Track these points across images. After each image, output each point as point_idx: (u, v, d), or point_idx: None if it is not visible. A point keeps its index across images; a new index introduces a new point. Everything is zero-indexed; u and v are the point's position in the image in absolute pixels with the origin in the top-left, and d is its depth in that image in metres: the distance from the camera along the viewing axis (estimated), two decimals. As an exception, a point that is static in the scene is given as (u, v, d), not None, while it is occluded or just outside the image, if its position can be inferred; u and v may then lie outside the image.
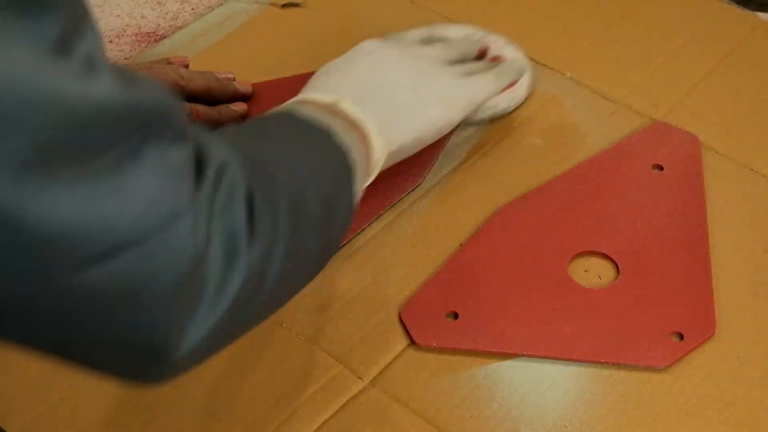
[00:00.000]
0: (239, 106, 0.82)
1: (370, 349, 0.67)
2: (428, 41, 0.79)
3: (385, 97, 0.68)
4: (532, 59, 0.88)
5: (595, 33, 0.91)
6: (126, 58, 0.89)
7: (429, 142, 0.70)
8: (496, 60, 0.79)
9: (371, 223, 0.75)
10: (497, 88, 0.75)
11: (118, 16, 0.93)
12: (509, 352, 0.67)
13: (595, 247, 0.73)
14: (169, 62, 0.82)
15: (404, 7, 0.92)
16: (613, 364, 0.67)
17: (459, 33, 0.81)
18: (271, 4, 0.93)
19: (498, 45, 0.82)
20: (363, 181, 0.63)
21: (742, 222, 0.75)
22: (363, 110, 0.64)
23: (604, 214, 0.75)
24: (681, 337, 0.68)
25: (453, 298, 0.70)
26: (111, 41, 0.91)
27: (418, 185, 0.77)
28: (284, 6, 0.93)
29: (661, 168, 0.79)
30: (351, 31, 0.90)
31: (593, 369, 0.67)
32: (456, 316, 0.69)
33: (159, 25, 0.93)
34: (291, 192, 0.52)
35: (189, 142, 0.45)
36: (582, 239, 0.73)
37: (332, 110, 0.63)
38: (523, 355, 0.67)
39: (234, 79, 0.83)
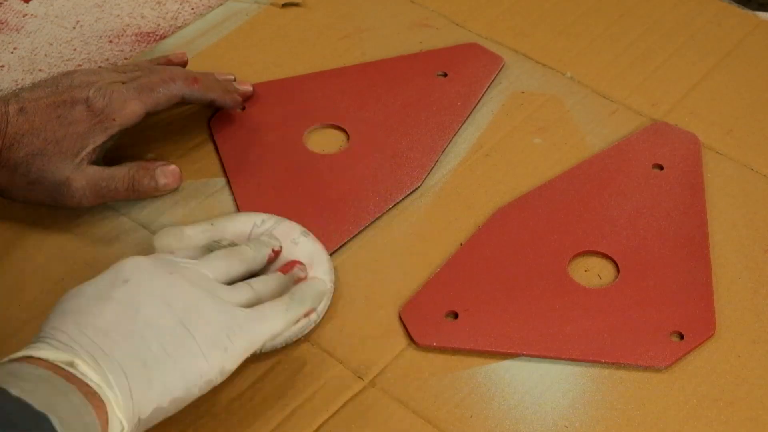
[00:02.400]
0: (244, 85, 0.82)
1: (370, 349, 0.67)
2: (211, 248, 0.66)
3: (138, 348, 0.56)
4: (532, 59, 0.88)
5: (595, 33, 0.91)
6: (126, 58, 0.89)
7: (197, 396, 0.58)
8: (291, 267, 0.67)
9: (371, 223, 0.75)
10: (287, 322, 0.63)
11: (118, 16, 0.93)
12: (509, 352, 0.67)
13: (595, 247, 0.73)
14: (168, 61, 0.82)
15: (404, 6, 0.92)
16: (613, 364, 0.67)
17: (245, 227, 0.69)
18: (271, 4, 0.93)
19: (293, 236, 0.69)
20: None
21: (742, 222, 0.75)
22: (103, 373, 0.54)
23: (604, 214, 0.75)
24: (681, 337, 0.68)
25: (453, 298, 0.70)
26: (111, 41, 0.91)
27: (419, 186, 0.77)
28: (284, 6, 0.93)
29: (661, 168, 0.79)
30: (351, 31, 0.90)
31: (593, 369, 0.67)
32: (456, 316, 0.69)
33: (159, 25, 0.93)
34: None
35: None
36: (582, 239, 0.73)
37: (65, 373, 0.53)
38: (523, 355, 0.67)
39: (234, 80, 0.83)
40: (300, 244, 0.69)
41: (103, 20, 0.93)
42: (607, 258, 0.73)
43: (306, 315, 0.64)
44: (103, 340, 0.55)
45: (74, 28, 0.92)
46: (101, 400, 0.53)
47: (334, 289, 0.70)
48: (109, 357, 0.55)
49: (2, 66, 0.89)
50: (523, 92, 0.85)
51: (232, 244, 0.67)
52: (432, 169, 0.79)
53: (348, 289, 0.71)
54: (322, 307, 0.68)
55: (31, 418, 0.49)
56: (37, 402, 0.50)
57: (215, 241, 0.67)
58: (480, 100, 0.84)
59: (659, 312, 0.69)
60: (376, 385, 0.66)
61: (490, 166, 0.79)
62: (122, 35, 0.92)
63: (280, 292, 0.65)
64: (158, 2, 0.94)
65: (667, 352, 0.67)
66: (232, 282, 0.63)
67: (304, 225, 0.73)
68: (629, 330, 0.68)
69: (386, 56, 0.88)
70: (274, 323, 0.62)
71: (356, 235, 0.74)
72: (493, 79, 0.86)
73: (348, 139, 0.81)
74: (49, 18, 0.93)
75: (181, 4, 0.94)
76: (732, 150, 0.81)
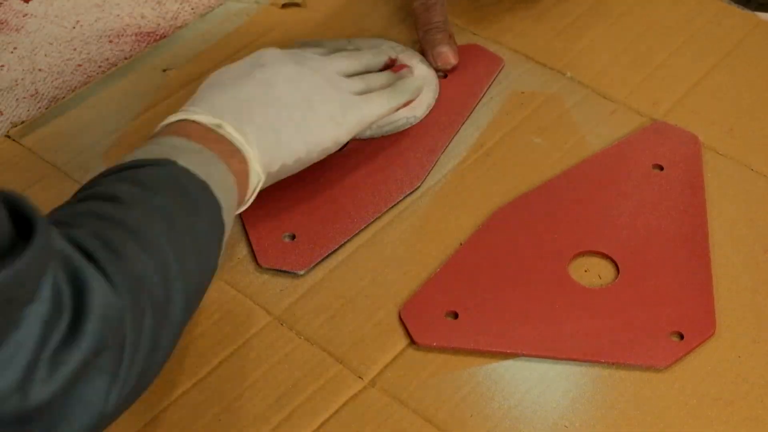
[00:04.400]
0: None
1: (370, 349, 0.67)
2: (337, 50, 0.80)
3: (271, 116, 0.68)
4: (532, 59, 0.88)
5: (595, 33, 0.91)
6: (126, 58, 0.89)
7: (314, 161, 0.71)
8: (401, 69, 0.80)
9: (371, 223, 0.75)
10: (390, 109, 0.76)
11: (118, 16, 0.93)
12: (509, 351, 0.67)
13: (595, 247, 0.73)
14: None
15: (404, 6, 0.92)
16: (613, 364, 0.67)
17: (373, 45, 0.82)
18: (271, 4, 0.93)
19: (412, 61, 0.83)
20: (236, 211, 0.65)
21: (742, 222, 0.75)
22: (244, 135, 0.65)
23: (604, 214, 0.75)
24: (681, 336, 0.68)
25: (453, 297, 0.70)
26: (111, 41, 0.91)
27: (418, 186, 0.77)
28: (284, 6, 0.93)
29: (661, 168, 0.79)
30: (351, 31, 0.90)
31: (593, 369, 0.66)
32: (456, 315, 0.69)
33: (159, 25, 0.93)
34: (158, 310, 0.53)
35: (45, 299, 0.46)
36: (582, 239, 0.73)
37: (213, 135, 0.64)
38: (523, 355, 0.67)
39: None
40: (416, 69, 0.82)
41: (103, 20, 0.93)
42: (607, 258, 0.73)
43: (405, 104, 0.78)
44: (244, 108, 0.67)
45: (74, 27, 0.92)
46: (243, 156, 0.65)
47: (334, 288, 0.70)
48: (249, 121, 0.66)
49: (2, 66, 0.89)
50: (523, 92, 0.85)
51: (357, 49, 0.81)
52: (432, 169, 0.79)
53: (348, 289, 0.71)
54: (425, 107, 0.81)
55: (198, 184, 0.59)
56: (198, 171, 0.60)
57: (344, 46, 0.81)
58: (480, 100, 0.84)
59: (659, 312, 0.69)
60: (376, 385, 0.66)
61: (490, 166, 0.79)
62: (122, 35, 0.92)
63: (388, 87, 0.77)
64: (158, 2, 0.94)
65: (667, 352, 0.67)
66: (350, 76, 0.76)
67: (303, 225, 0.74)
68: (629, 330, 0.68)
69: (386, 56, 0.88)
70: (379, 108, 0.75)
71: (356, 235, 0.74)
72: (493, 79, 0.86)
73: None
74: (49, 18, 0.93)
75: (181, 4, 0.94)
76: (732, 150, 0.81)
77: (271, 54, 0.72)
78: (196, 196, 0.59)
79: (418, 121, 0.81)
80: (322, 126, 0.70)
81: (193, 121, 0.65)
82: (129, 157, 0.61)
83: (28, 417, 0.46)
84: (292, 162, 0.69)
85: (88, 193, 0.58)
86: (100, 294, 0.48)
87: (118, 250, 0.51)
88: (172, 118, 0.66)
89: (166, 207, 0.57)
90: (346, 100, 0.72)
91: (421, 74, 0.82)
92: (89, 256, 0.50)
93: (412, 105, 0.80)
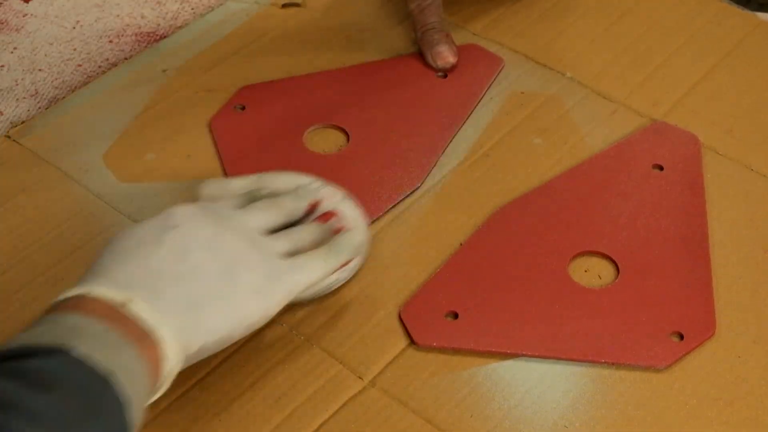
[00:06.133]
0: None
1: (370, 349, 0.67)
2: (253, 197, 0.68)
3: (187, 289, 0.59)
4: (531, 59, 0.88)
5: (595, 33, 0.91)
6: (126, 58, 0.89)
7: (238, 338, 0.61)
8: (328, 217, 0.68)
9: (371, 223, 0.75)
10: (326, 272, 0.65)
11: (118, 16, 0.93)
12: (509, 352, 0.67)
13: (595, 247, 0.73)
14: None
15: (403, 7, 0.92)
16: (613, 364, 0.67)
17: (289, 183, 0.70)
18: (271, 4, 0.93)
19: (334, 200, 0.70)
20: (147, 402, 0.55)
21: (742, 222, 0.75)
22: (158, 311, 0.56)
23: (604, 214, 0.75)
24: (681, 337, 0.68)
25: (453, 298, 0.70)
26: (111, 41, 0.91)
27: (418, 186, 0.77)
28: (284, 6, 0.93)
29: (661, 168, 0.79)
30: (351, 32, 0.90)
31: (593, 369, 0.67)
32: (456, 315, 0.69)
33: (159, 25, 0.93)
34: None
35: None
36: (582, 239, 0.73)
37: (119, 314, 0.55)
38: (523, 355, 0.67)
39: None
40: (346, 211, 0.70)
41: (103, 20, 0.93)
42: (607, 258, 0.73)
43: (343, 266, 0.66)
44: (155, 281, 0.58)
45: (74, 28, 0.92)
46: (154, 340, 0.55)
47: (335, 288, 0.70)
48: (160, 297, 0.57)
49: (2, 66, 0.89)
50: (522, 92, 0.85)
51: (273, 195, 0.69)
52: (432, 169, 0.79)
53: (348, 289, 0.71)
54: (355, 264, 0.69)
55: (97, 379, 0.51)
56: (100, 359, 0.51)
57: (257, 191, 0.69)
58: (480, 100, 0.84)
59: (659, 312, 0.69)
60: (376, 385, 0.66)
61: (490, 166, 0.79)
62: (122, 35, 0.92)
63: (318, 242, 0.67)
64: (158, 2, 0.95)
65: (667, 352, 0.67)
66: (272, 231, 0.66)
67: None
68: (629, 330, 0.68)
69: (386, 56, 0.88)
70: (312, 273, 0.64)
71: (356, 235, 0.74)
72: (493, 80, 0.86)
73: (348, 139, 0.81)
74: (49, 18, 0.93)
75: (181, 4, 0.94)
76: (732, 150, 0.81)
77: (182, 213, 0.62)
78: (94, 394, 0.50)
79: (350, 276, 0.70)
80: (247, 300, 0.61)
81: (95, 298, 0.55)
82: (14, 342, 0.52)
83: None
84: (212, 343, 0.59)
85: None
86: None
87: None
88: (70, 292, 0.56)
89: (53, 413, 0.48)
90: (274, 267, 0.62)
91: (351, 217, 0.69)
92: None
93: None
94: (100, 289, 0.56)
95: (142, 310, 0.56)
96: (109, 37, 0.91)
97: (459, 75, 0.86)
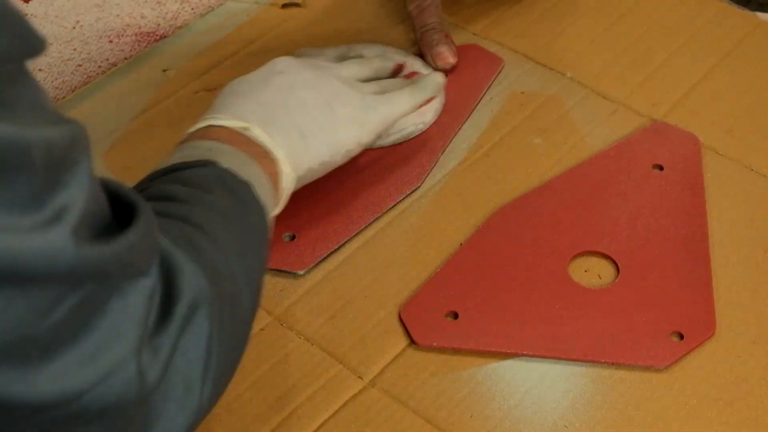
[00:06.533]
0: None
1: (370, 349, 0.67)
2: (343, 58, 0.79)
3: (295, 120, 0.68)
4: (531, 59, 0.88)
5: (595, 33, 0.91)
6: (126, 58, 0.89)
7: (339, 164, 0.71)
8: (411, 76, 0.79)
9: (371, 223, 0.75)
10: (412, 106, 0.75)
11: (118, 16, 0.93)
12: (509, 352, 0.67)
13: (595, 247, 0.73)
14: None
15: (403, 7, 0.91)
16: (613, 364, 0.67)
17: (375, 52, 0.81)
18: (271, 4, 0.93)
19: (417, 65, 0.82)
20: (272, 213, 0.63)
21: (742, 222, 0.75)
22: (272, 137, 0.65)
23: (604, 214, 0.75)
24: (681, 337, 0.68)
25: (453, 298, 0.70)
26: (111, 41, 0.91)
27: (418, 186, 0.77)
28: (284, 6, 0.93)
29: (661, 168, 0.79)
30: (350, 31, 0.90)
31: (593, 369, 0.66)
32: (456, 315, 0.69)
33: (159, 25, 0.93)
34: (233, 304, 0.52)
35: (153, 274, 0.46)
36: (582, 239, 0.73)
37: (242, 138, 0.64)
38: (523, 355, 0.67)
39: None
40: (421, 70, 0.81)
41: (103, 20, 0.93)
42: (607, 258, 0.73)
43: (427, 102, 0.76)
44: (269, 113, 0.67)
45: (74, 28, 0.92)
46: (272, 159, 0.64)
47: (334, 289, 0.70)
48: (274, 125, 0.66)
49: (2, 66, 0.88)
50: (522, 92, 0.85)
51: (359, 56, 0.80)
52: (432, 169, 0.79)
53: (348, 289, 0.71)
54: (433, 113, 0.80)
55: (242, 185, 0.59)
56: (237, 174, 0.59)
57: (347, 53, 0.80)
58: (480, 100, 0.84)
59: (659, 312, 0.69)
60: (376, 385, 0.66)
61: (490, 166, 0.79)
62: (122, 35, 0.92)
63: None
64: (158, 2, 0.94)
65: (667, 352, 0.67)
66: (363, 81, 0.76)
67: (303, 225, 0.74)
68: (629, 330, 0.68)
69: (386, 56, 0.88)
70: (401, 105, 0.74)
71: (356, 235, 0.74)
72: (493, 80, 0.86)
73: (348, 139, 0.81)
74: (49, 18, 0.93)
75: (181, 4, 0.94)
76: (732, 150, 0.81)
77: (286, 62, 0.72)
78: (243, 196, 0.59)
79: (426, 127, 0.80)
80: (345, 128, 0.70)
81: (220, 126, 0.65)
82: (166, 163, 0.61)
83: (142, 398, 0.45)
84: (318, 165, 0.69)
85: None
86: (190, 277, 0.48)
87: (193, 242, 0.51)
88: (197, 126, 0.65)
89: (221, 206, 0.56)
90: (367, 100, 0.72)
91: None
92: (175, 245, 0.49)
93: (421, 110, 0.78)
94: (223, 120, 0.65)
95: (259, 135, 0.64)
96: (109, 37, 0.91)
97: (459, 75, 0.86)
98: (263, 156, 0.64)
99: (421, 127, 0.80)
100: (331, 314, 0.69)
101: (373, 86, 0.75)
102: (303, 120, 0.68)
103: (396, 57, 0.81)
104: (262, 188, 0.61)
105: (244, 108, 0.66)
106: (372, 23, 0.91)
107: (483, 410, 0.64)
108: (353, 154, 0.72)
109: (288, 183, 0.65)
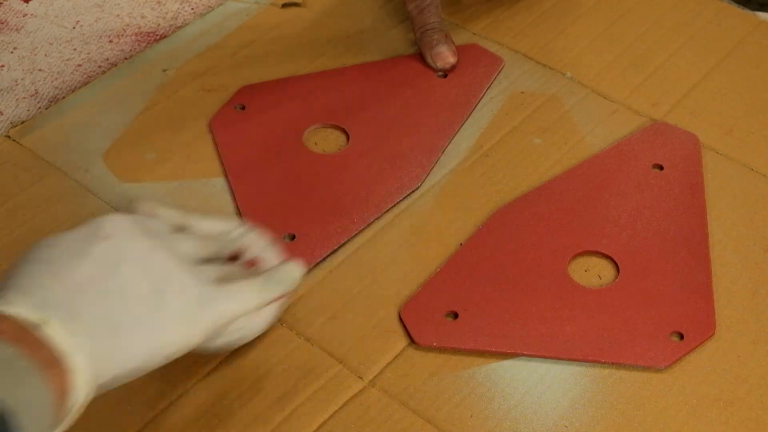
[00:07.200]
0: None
1: (370, 349, 0.67)
2: (182, 227, 0.64)
3: (110, 310, 0.54)
4: (531, 59, 0.88)
5: (595, 33, 0.91)
6: (126, 58, 0.89)
7: (153, 368, 0.56)
8: (252, 264, 0.64)
9: (371, 223, 0.75)
10: (260, 303, 0.61)
11: (118, 16, 0.93)
12: (509, 352, 0.67)
13: (595, 247, 0.73)
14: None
15: (403, 7, 0.91)
16: (613, 364, 0.67)
17: (215, 228, 0.65)
18: (271, 4, 0.93)
19: (258, 246, 0.65)
20: None
21: (742, 222, 0.75)
22: (74, 336, 0.52)
23: (604, 214, 0.75)
24: (681, 337, 0.68)
25: (453, 298, 0.70)
26: (111, 41, 0.91)
27: (419, 186, 0.77)
28: (284, 6, 0.93)
29: (661, 168, 0.79)
30: (350, 32, 0.90)
31: (593, 369, 0.67)
32: (456, 315, 0.69)
33: (159, 25, 0.93)
34: None
35: None
36: (582, 239, 0.73)
37: (31, 338, 0.50)
38: (523, 355, 0.67)
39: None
40: (265, 251, 0.65)
41: (103, 20, 0.93)
42: (607, 258, 0.73)
43: (278, 299, 0.62)
44: (75, 299, 0.53)
45: (74, 28, 0.92)
46: (64, 369, 0.51)
47: (334, 289, 0.70)
48: (80, 319, 0.52)
49: (2, 66, 0.89)
50: (522, 92, 0.85)
51: (201, 230, 0.64)
52: (432, 169, 0.79)
53: (348, 289, 0.71)
54: (269, 315, 0.63)
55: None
56: (2, 395, 0.47)
57: (182, 227, 0.64)
58: (480, 100, 0.84)
59: (659, 312, 0.69)
60: (376, 385, 0.66)
61: (490, 166, 0.79)
62: (122, 35, 0.92)
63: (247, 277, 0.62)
64: (158, 2, 0.95)
65: (667, 352, 0.67)
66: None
67: (303, 225, 0.74)
68: (629, 330, 0.68)
69: (386, 56, 0.88)
70: (246, 302, 0.59)
71: (356, 234, 0.74)
72: (493, 80, 0.86)
73: (348, 139, 0.81)
74: (49, 18, 0.93)
75: (181, 4, 0.94)
76: (732, 150, 0.81)
77: (114, 223, 0.57)
78: None
79: (254, 336, 0.64)
80: (172, 326, 0.55)
81: (8, 317, 0.51)
82: None
83: None
84: (127, 372, 0.54)
85: None
86: None
87: None
88: None
89: None
90: (205, 292, 0.57)
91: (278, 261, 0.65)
92: None
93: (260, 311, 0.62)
94: (16, 306, 0.51)
95: (57, 333, 0.51)
96: (109, 37, 0.91)
97: (459, 75, 0.86)
98: (52, 365, 0.50)
99: (253, 332, 0.63)
100: (331, 314, 0.69)
101: (214, 270, 0.60)
102: (121, 311, 0.54)
103: (237, 239, 0.65)
104: (33, 413, 0.48)
105: (47, 291, 0.53)
106: (372, 23, 0.91)
107: (483, 410, 0.64)
108: (175, 357, 0.56)
109: (81, 397, 0.51)
